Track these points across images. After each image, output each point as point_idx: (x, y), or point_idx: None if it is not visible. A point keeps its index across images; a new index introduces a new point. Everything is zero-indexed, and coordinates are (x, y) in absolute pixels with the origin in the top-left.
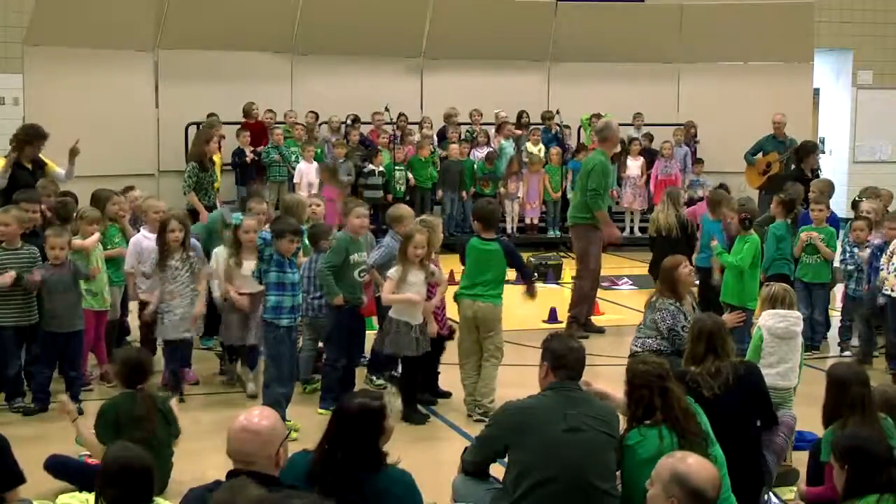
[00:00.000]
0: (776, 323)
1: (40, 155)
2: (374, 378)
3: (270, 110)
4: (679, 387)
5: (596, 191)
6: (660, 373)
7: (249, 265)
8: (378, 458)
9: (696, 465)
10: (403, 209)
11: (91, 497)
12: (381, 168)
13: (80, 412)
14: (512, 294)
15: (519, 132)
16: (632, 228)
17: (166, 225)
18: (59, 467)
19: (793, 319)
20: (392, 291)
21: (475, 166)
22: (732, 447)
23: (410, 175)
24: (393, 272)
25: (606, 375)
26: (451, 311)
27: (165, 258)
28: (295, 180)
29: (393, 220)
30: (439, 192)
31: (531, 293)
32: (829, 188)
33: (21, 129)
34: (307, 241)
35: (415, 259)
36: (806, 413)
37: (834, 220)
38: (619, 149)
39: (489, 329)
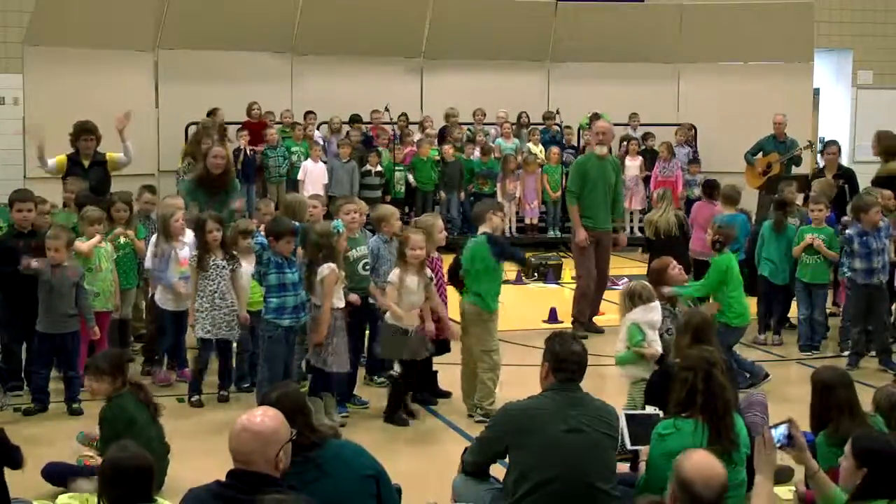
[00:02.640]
0: (654, 316)
1: (100, 150)
2: (374, 378)
3: (269, 112)
4: (726, 379)
5: (569, 189)
6: (708, 359)
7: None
8: (317, 435)
9: (697, 459)
10: (386, 209)
11: (89, 498)
12: (379, 168)
13: (80, 412)
14: (512, 294)
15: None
16: (631, 228)
17: (203, 225)
18: (57, 475)
19: (658, 309)
20: (394, 297)
21: (473, 164)
22: None
23: (411, 177)
24: (393, 276)
25: (606, 375)
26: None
27: (205, 257)
28: (299, 177)
29: (376, 220)
30: (441, 194)
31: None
32: (829, 188)
33: (73, 126)
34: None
35: (413, 261)
36: (806, 413)
37: (833, 221)
38: (603, 149)
39: (467, 328)
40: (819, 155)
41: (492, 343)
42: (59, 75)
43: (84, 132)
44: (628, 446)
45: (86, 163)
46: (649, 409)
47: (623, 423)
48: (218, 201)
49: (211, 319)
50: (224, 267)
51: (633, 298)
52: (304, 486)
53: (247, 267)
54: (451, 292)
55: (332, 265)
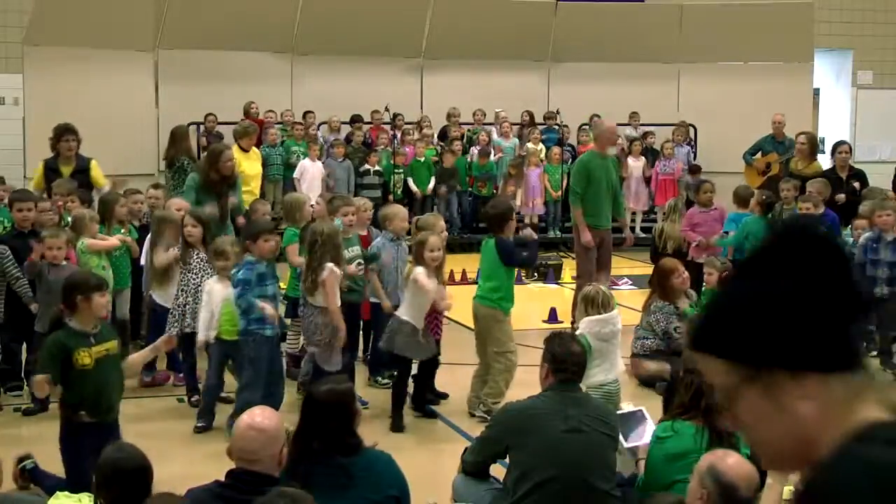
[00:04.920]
0: (601, 328)
1: (87, 157)
2: (378, 378)
3: (271, 110)
4: None
5: (573, 190)
6: None
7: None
8: (356, 440)
9: (733, 462)
10: (393, 208)
11: (84, 497)
12: (377, 168)
13: None
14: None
15: (520, 133)
16: (632, 228)
17: (181, 220)
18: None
19: (613, 319)
20: (427, 282)
21: (471, 165)
22: None
23: (413, 185)
24: (421, 270)
25: None
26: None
27: (187, 251)
28: (295, 175)
29: (382, 218)
30: (442, 189)
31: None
32: (826, 188)
33: (53, 129)
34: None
35: (431, 263)
36: None
37: (834, 221)
38: (612, 150)
39: (483, 331)
40: (830, 156)
41: (508, 344)
42: (59, 75)
43: (66, 132)
44: (625, 445)
45: (65, 170)
46: (625, 406)
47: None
48: (223, 201)
49: (194, 315)
50: (207, 261)
51: (586, 305)
52: (329, 490)
53: (220, 287)
54: (459, 294)
55: (330, 265)
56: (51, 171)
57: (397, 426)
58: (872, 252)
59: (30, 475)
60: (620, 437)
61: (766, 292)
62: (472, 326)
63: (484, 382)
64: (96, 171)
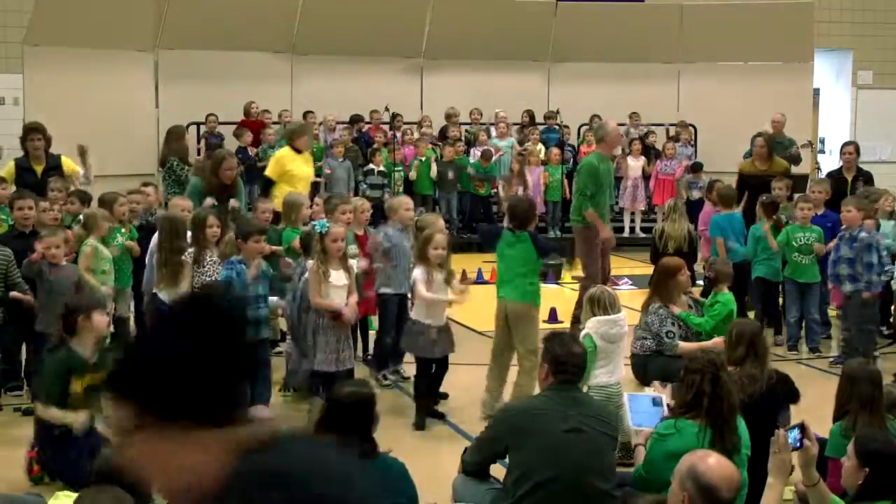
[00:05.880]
0: (608, 329)
1: (56, 154)
2: (381, 377)
3: (266, 110)
4: (734, 383)
5: (582, 192)
6: (715, 361)
7: (339, 276)
8: (371, 445)
9: (714, 464)
10: (396, 199)
11: None
12: (382, 168)
13: None
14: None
15: (521, 132)
16: (632, 228)
17: (204, 221)
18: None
19: (621, 321)
20: (424, 292)
21: (470, 165)
22: (754, 452)
23: (413, 173)
24: (418, 273)
25: None
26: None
27: (202, 253)
28: None
29: (388, 210)
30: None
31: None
32: (829, 188)
33: (22, 128)
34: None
35: (435, 259)
36: (807, 414)
37: (835, 222)
38: (619, 151)
39: (514, 328)
40: (838, 156)
41: (538, 341)
42: (59, 75)
43: (32, 131)
44: (631, 425)
45: (38, 169)
46: (649, 391)
47: (626, 404)
48: (223, 206)
49: None
50: (218, 264)
51: (592, 306)
52: None
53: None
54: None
55: (309, 263)
56: (23, 170)
57: (417, 424)
58: (836, 249)
59: None
60: (628, 416)
61: (173, 350)
62: (473, 326)
63: (501, 382)
64: (68, 165)
